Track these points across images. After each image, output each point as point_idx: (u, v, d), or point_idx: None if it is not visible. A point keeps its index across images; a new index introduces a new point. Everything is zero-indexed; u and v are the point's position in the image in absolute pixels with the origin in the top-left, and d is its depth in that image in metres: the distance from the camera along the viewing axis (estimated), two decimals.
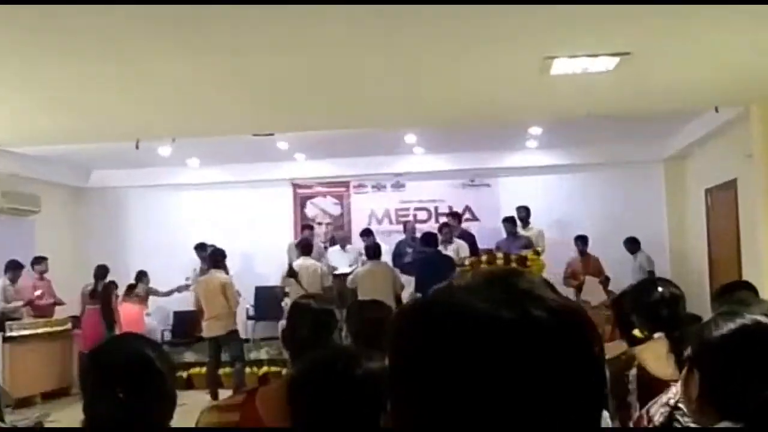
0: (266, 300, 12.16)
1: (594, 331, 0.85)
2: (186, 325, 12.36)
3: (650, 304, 3.07)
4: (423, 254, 10.33)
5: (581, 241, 11.74)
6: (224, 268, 10.04)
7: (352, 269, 10.80)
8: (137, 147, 9.73)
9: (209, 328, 9.86)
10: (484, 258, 9.93)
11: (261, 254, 12.99)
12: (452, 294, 0.86)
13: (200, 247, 12.06)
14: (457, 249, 10.90)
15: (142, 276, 12.06)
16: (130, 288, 11.81)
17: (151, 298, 12.29)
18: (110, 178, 13.43)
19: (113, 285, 11.21)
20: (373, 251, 10.26)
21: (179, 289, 12.33)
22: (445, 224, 11.69)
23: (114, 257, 12.49)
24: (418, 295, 9.35)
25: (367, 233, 11.85)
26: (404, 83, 7.02)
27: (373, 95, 7.52)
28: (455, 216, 12.25)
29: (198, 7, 4.73)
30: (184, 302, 12.57)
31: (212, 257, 10.07)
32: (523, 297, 0.83)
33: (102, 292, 10.99)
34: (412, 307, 0.91)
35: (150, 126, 8.72)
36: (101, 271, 11.16)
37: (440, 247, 10.66)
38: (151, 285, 12.20)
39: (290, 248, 11.72)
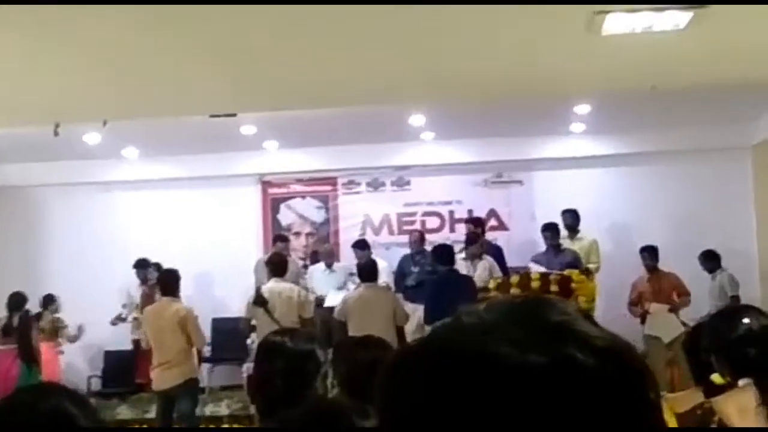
0: (226, 336, 12.14)
1: (649, 376, 0.86)
2: (122, 369, 12.34)
3: (734, 341, 3.06)
4: (434, 274, 10.33)
5: (649, 253, 11.67)
6: (177, 295, 9.90)
7: (340, 295, 10.79)
8: (56, 134, 9.70)
9: (161, 378, 9.52)
10: (514, 280, 9.92)
11: (220, 275, 12.99)
12: (463, 334, 0.86)
13: (141, 265, 12.05)
14: (488, 268, 10.92)
15: (48, 302, 11.96)
16: (35, 319, 11.77)
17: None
18: (21, 174, 13.45)
19: (33, 318, 11.23)
20: (367, 271, 10.18)
21: (114, 322, 12.31)
22: (474, 232, 11.68)
23: (25, 276, 12.50)
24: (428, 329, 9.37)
25: (361, 246, 11.84)
26: (409, 45, 7.01)
27: (369, 62, 7.50)
28: (477, 223, 12.24)
29: None
30: (120, 339, 12.56)
31: (163, 281, 9.93)
32: (555, 335, 0.84)
33: (19, 327, 10.98)
34: (409, 351, 0.91)
35: (73, 105, 8.70)
36: (16, 301, 11.16)
37: (465, 263, 10.66)
38: (59, 315, 12.08)
39: (258, 267, 11.70)
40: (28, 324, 11.08)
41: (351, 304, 9.79)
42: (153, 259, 12.08)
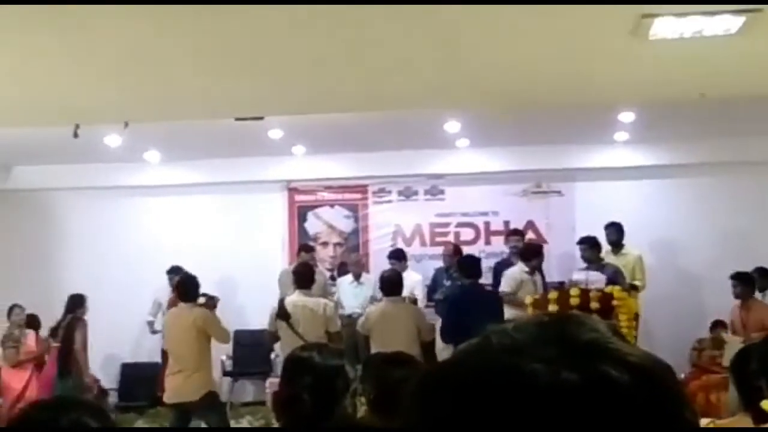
0: (249, 349, 12.19)
1: (683, 391, 0.87)
2: (139, 382, 12.41)
3: None
4: (460, 288, 10.28)
5: (740, 281, 11.27)
6: (196, 301, 9.93)
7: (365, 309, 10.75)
8: (76, 135, 9.78)
9: (176, 389, 9.44)
10: (552, 296, 9.88)
11: (243, 285, 13.04)
12: (492, 353, 0.87)
13: (174, 271, 12.15)
14: (536, 283, 10.93)
15: (76, 304, 12.03)
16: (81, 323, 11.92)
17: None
18: (38, 176, 13.55)
19: (78, 322, 11.55)
20: (389, 284, 10.01)
21: (153, 331, 12.35)
22: (537, 243, 11.62)
23: (43, 282, 12.63)
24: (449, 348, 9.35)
25: (397, 256, 11.87)
26: (446, 48, 7.01)
27: (402, 66, 7.50)
28: (515, 235, 12.23)
29: None
30: (137, 350, 12.65)
31: (181, 286, 9.94)
32: (588, 352, 0.85)
33: (64, 330, 11.33)
34: (437, 371, 0.92)
35: (94, 106, 8.75)
36: (72, 302, 11.63)
37: (528, 278, 10.61)
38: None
39: (283, 278, 11.73)
40: (72, 328, 11.34)
41: (373, 319, 9.74)
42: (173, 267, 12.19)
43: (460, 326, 9.36)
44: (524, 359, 0.84)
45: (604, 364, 0.83)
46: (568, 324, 0.89)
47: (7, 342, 11.45)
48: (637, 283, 11.09)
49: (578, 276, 10.58)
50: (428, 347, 9.56)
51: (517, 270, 11.22)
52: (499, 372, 0.84)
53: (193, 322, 9.44)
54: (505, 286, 10.96)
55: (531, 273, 11.14)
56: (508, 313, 10.04)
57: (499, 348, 0.87)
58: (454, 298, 10.24)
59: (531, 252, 11.42)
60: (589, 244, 11.37)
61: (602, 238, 11.73)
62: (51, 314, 11.98)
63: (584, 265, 11.36)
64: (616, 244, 11.80)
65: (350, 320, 10.89)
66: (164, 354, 10.99)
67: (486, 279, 12.30)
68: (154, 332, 12.27)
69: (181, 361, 9.45)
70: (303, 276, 10.07)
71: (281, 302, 10.06)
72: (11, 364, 11.34)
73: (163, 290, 12.21)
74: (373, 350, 8.96)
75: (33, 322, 12.09)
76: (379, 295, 11.26)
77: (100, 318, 12.48)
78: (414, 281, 11.70)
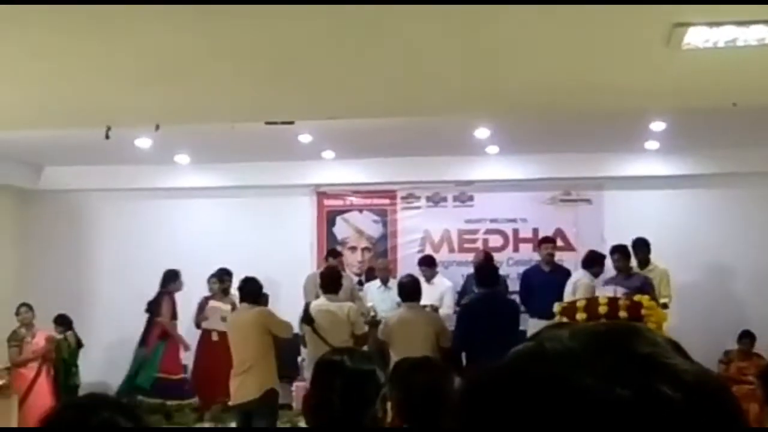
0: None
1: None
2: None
3: None
4: (478, 296, 10.22)
5: None
6: (259, 301, 10.09)
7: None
8: (107, 136, 9.83)
9: (240, 389, 9.59)
10: (581, 304, 9.83)
11: (271, 289, 12.98)
12: (545, 361, 0.87)
13: (219, 274, 12.41)
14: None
15: (167, 280, 12.32)
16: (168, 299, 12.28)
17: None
18: (69, 177, 13.65)
19: (165, 296, 12.10)
20: (407, 291, 9.91)
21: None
22: (593, 254, 11.57)
23: (71, 281, 12.72)
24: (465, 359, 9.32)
25: (428, 262, 11.85)
26: (477, 55, 7.00)
27: (432, 72, 7.50)
28: (551, 244, 12.20)
29: None
30: None
31: (245, 288, 10.03)
32: (643, 367, 0.84)
33: (151, 304, 11.98)
34: (487, 377, 0.91)
35: (126, 108, 8.81)
36: (164, 278, 12.26)
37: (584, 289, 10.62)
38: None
39: (309, 282, 11.73)
40: (158, 302, 11.85)
41: (392, 326, 9.72)
42: (201, 269, 12.27)
43: (470, 337, 9.34)
44: (577, 371, 0.83)
45: (659, 381, 0.82)
46: (626, 335, 0.87)
47: (12, 341, 11.55)
48: (664, 300, 10.95)
49: (607, 287, 10.61)
50: (447, 353, 9.53)
51: (587, 278, 11.25)
52: (551, 383, 0.83)
53: (254, 321, 9.65)
54: (579, 295, 10.91)
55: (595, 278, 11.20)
56: None
57: (553, 356, 0.87)
58: (466, 307, 10.18)
59: (592, 260, 11.41)
60: (623, 253, 11.27)
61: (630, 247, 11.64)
62: (81, 312, 12.09)
63: (611, 274, 11.31)
64: (643, 262, 11.62)
65: (376, 325, 10.87)
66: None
67: (514, 286, 12.31)
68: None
69: (245, 359, 9.59)
70: (330, 280, 10.13)
71: (306, 307, 10.13)
72: (12, 363, 11.42)
73: (192, 290, 12.28)
74: (393, 356, 8.91)
75: (64, 321, 12.19)
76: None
77: (129, 319, 12.56)
78: (445, 287, 11.68)
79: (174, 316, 12.00)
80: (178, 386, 12.09)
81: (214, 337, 11.97)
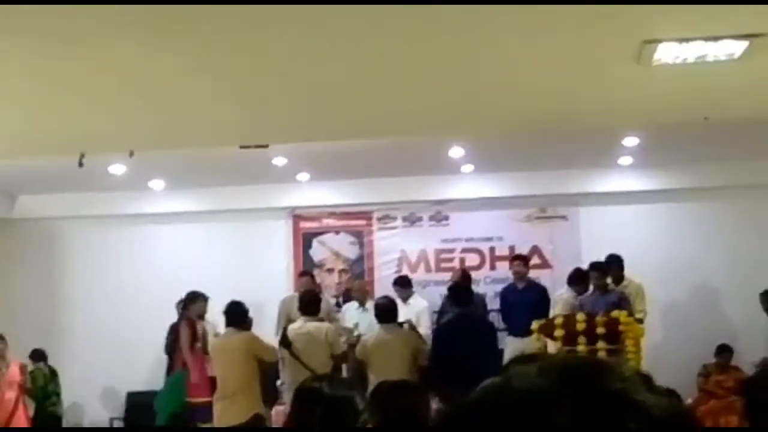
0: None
1: None
2: (145, 411, 12.37)
3: None
4: (453, 316, 10.21)
5: None
6: (244, 326, 10.05)
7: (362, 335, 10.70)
8: (81, 164, 9.80)
9: (222, 414, 9.54)
10: (558, 321, 9.87)
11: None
12: (512, 402, 0.86)
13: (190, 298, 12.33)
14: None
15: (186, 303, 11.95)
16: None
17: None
18: (43, 205, 13.58)
19: (184, 319, 11.58)
20: (384, 312, 9.91)
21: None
22: (576, 271, 11.56)
23: (47, 311, 12.64)
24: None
25: (402, 283, 11.82)
26: (449, 75, 7.03)
27: (405, 92, 7.53)
28: (525, 260, 12.21)
29: None
30: (143, 379, 12.63)
31: (230, 312, 10.02)
32: (612, 404, 0.84)
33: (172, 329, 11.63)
34: (456, 415, 0.91)
35: (99, 135, 8.78)
36: (184, 301, 11.69)
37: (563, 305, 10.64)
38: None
39: (284, 306, 11.66)
40: (176, 327, 11.51)
41: (369, 347, 9.75)
42: (176, 295, 12.20)
43: (446, 357, 9.35)
44: (543, 410, 0.83)
45: (627, 418, 0.82)
46: (596, 372, 0.87)
47: None
48: (639, 315, 10.96)
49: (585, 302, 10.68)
50: (425, 371, 9.55)
51: (568, 295, 11.31)
52: (518, 423, 0.83)
53: (240, 345, 9.63)
54: (558, 311, 10.95)
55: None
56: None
57: (519, 395, 0.86)
58: (441, 328, 10.18)
59: (573, 277, 11.44)
60: (602, 271, 11.28)
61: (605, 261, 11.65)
62: (55, 340, 12.00)
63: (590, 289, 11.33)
64: (617, 279, 11.53)
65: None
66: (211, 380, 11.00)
67: (493, 304, 12.32)
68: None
69: (230, 385, 9.56)
70: (308, 302, 10.14)
71: (284, 329, 10.12)
72: None
73: (168, 318, 12.18)
74: (371, 376, 9.07)
75: (37, 355, 12.12)
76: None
77: (104, 345, 12.50)
78: (421, 307, 11.67)
79: (195, 339, 11.67)
80: (206, 410, 11.99)
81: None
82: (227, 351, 9.70)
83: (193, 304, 11.64)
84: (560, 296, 11.41)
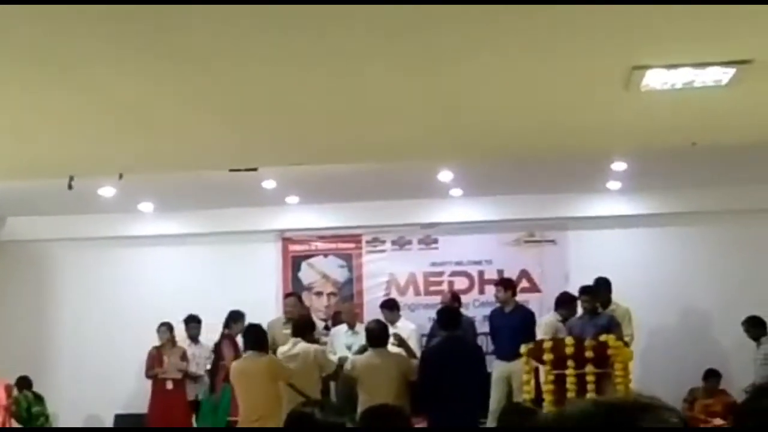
0: None
1: None
2: None
3: None
4: (441, 339, 10.20)
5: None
6: (265, 349, 9.98)
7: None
8: (70, 186, 9.79)
9: None
10: (547, 345, 9.86)
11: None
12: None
13: (190, 320, 12.46)
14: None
15: (229, 321, 12.04)
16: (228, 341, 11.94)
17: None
18: (32, 227, 13.55)
19: (225, 338, 11.73)
20: (375, 336, 9.97)
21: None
22: (562, 295, 11.62)
23: (35, 334, 12.59)
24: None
25: (390, 306, 11.79)
26: (439, 101, 7.05)
27: (395, 117, 7.55)
28: (505, 284, 12.19)
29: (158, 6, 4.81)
30: (131, 401, 12.60)
31: (251, 335, 9.94)
32: None
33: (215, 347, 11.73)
34: None
35: (88, 158, 8.79)
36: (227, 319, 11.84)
37: (560, 326, 10.67)
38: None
39: (270, 329, 11.57)
40: (220, 345, 11.65)
41: (360, 369, 9.78)
42: (164, 318, 12.18)
43: (434, 380, 9.35)
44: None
45: None
46: (636, 411, 0.92)
47: None
48: (626, 339, 10.95)
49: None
50: (413, 386, 9.57)
51: (552, 318, 11.36)
52: None
53: (264, 369, 9.50)
54: (542, 335, 10.95)
55: (564, 321, 11.21)
56: None
57: (572, 417, 0.90)
58: (429, 351, 10.18)
59: (559, 301, 11.51)
60: (593, 294, 11.29)
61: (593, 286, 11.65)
62: (43, 362, 11.97)
63: (579, 313, 11.33)
64: (606, 303, 11.50)
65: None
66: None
67: (482, 327, 12.31)
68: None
69: (255, 409, 9.45)
70: (302, 326, 10.21)
71: (273, 352, 10.11)
72: None
73: (153, 340, 12.16)
74: (361, 398, 9.22)
75: (23, 382, 12.11)
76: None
77: (94, 368, 12.47)
78: (409, 330, 11.65)
79: (238, 357, 11.63)
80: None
81: (169, 386, 12.02)
82: (250, 375, 9.52)
83: (235, 323, 11.64)
84: (544, 320, 11.43)
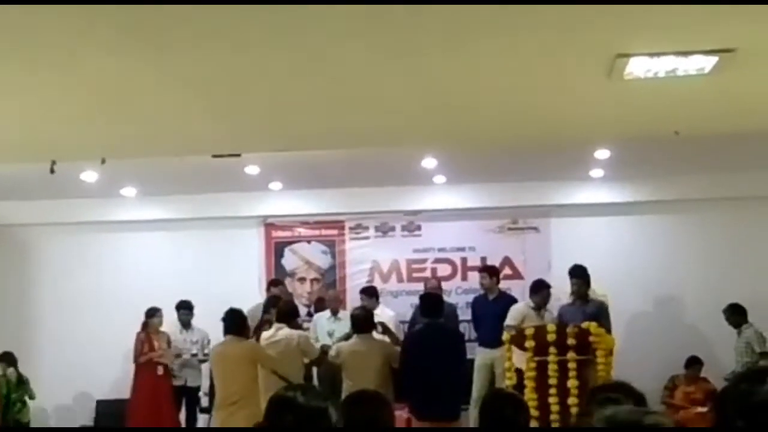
0: None
1: None
2: (114, 419, 12.34)
3: (757, 405, 2.98)
4: (422, 326, 10.21)
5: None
6: (245, 334, 9.96)
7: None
8: (52, 171, 9.75)
9: (224, 423, 9.46)
10: (529, 332, 9.89)
11: (218, 321, 12.94)
12: None
13: (183, 306, 12.40)
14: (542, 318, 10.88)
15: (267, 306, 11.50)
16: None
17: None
18: (13, 212, 13.48)
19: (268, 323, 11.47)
20: (360, 322, 9.97)
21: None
22: (534, 282, 11.64)
23: (16, 318, 12.58)
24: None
25: (369, 293, 11.79)
26: (422, 87, 7.05)
27: (379, 104, 7.54)
28: (490, 271, 12.22)
29: None
30: (113, 387, 12.60)
31: (231, 321, 9.82)
32: None
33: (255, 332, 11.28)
34: None
35: (71, 143, 8.75)
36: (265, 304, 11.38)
37: (533, 313, 10.77)
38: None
39: (251, 315, 11.50)
40: (258, 330, 11.22)
41: (344, 355, 9.79)
42: (147, 303, 12.14)
43: (414, 367, 9.38)
44: None
45: None
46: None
47: None
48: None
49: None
50: (395, 372, 9.61)
51: (523, 305, 11.33)
52: None
53: (243, 354, 9.52)
54: (509, 320, 11.00)
55: (537, 308, 11.24)
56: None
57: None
58: (409, 338, 10.18)
59: (532, 288, 11.54)
60: (583, 279, 11.29)
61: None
62: (26, 347, 11.96)
63: (567, 301, 11.34)
64: (584, 296, 11.34)
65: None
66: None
67: (463, 315, 12.34)
68: (201, 362, 12.27)
69: (232, 393, 9.45)
70: (286, 312, 10.18)
71: (257, 339, 10.10)
72: None
73: (136, 326, 12.11)
74: (345, 384, 9.31)
75: (6, 358, 12.06)
76: None
77: (75, 353, 12.46)
78: (387, 317, 11.65)
79: None
80: None
81: (160, 371, 11.97)
82: (229, 359, 9.53)
83: (272, 308, 11.55)
84: (514, 307, 11.39)
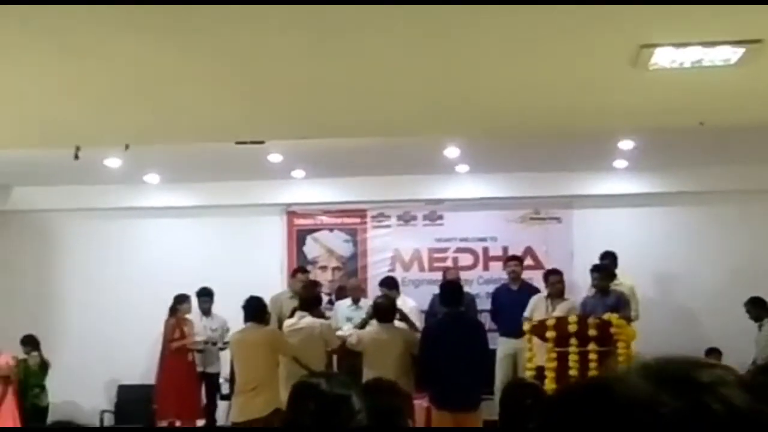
0: None
1: None
2: (137, 404, 12.40)
3: None
4: (442, 316, 10.21)
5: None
6: (264, 321, 10.04)
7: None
8: (76, 157, 9.81)
9: (243, 408, 9.58)
10: (550, 322, 9.88)
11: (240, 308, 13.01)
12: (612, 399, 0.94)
13: (203, 293, 12.43)
14: (571, 309, 10.86)
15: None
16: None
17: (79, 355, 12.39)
18: (38, 197, 13.57)
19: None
20: (383, 311, 10.00)
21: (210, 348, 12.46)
22: (546, 271, 11.67)
23: (41, 304, 12.64)
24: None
25: (388, 284, 11.76)
26: (446, 76, 7.04)
27: (403, 92, 7.54)
28: (517, 261, 12.22)
29: None
30: (136, 372, 12.66)
31: (252, 308, 9.92)
32: (699, 390, 0.91)
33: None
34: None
35: (95, 128, 8.78)
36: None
37: (544, 303, 10.71)
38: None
39: (275, 303, 11.53)
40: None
41: (365, 343, 9.82)
42: (169, 289, 12.17)
43: (434, 357, 9.38)
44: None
45: (709, 400, 0.89)
46: (692, 368, 0.95)
47: None
48: (631, 315, 10.99)
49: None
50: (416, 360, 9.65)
51: (540, 295, 11.39)
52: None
53: (263, 340, 9.64)
54: (526, 311, 11.10)
55: (549, 297, 11.25)
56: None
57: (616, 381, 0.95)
58: (429, 328, 10.18)
59: (543, 278, 11.56)
60: (606, 273, 11.32)
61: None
62: (50, 333, 12.04)
63: (589, 292, 11.35)
64: (612, 276, 11.56)
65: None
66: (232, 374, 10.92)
67: (484, 305, 12.34)
68: (221, 349, 12.30)
69: (251, 379, 9.56)
70: (310, 300, 10.28)
71: (279, 326, 10.16)
72: None
73: (161, 312, 12.15)
74: (365, 372, 9.27)
75: (30, 341, 12.13)
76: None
77: (97, 338, 12.52)
78: (409, 307, 11.65)
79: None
80: None
81: (190, 357, 12.02)
82: (249, 346, 9.65)
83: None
84: (532, 298, 11.46)
